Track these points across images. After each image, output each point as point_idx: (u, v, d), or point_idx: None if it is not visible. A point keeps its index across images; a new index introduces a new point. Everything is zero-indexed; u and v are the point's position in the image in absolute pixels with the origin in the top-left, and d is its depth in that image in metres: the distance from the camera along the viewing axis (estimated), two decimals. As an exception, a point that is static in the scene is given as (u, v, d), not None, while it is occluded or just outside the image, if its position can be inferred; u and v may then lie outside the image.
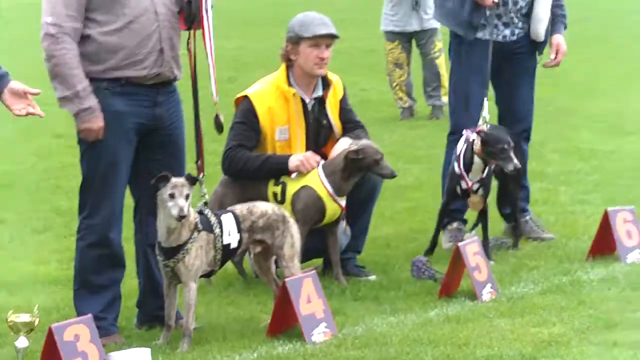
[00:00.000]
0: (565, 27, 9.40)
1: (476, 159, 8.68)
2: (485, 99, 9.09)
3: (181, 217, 6.91)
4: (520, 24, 9.27)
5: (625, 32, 22.85)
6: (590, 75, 15.11)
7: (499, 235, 9.20)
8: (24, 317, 6.36)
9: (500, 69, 9.20)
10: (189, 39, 7.41)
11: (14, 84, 6.81)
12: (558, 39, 9.39)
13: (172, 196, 6.91)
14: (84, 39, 7.17)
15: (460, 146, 8.78)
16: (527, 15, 9.26)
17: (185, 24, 7.41)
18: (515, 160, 8.53)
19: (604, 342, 6.87)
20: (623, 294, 7.79)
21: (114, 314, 7.40)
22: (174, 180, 6.95)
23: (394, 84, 15.31)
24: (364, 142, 8.23)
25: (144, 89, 7.29)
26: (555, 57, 9.41)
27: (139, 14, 7.18)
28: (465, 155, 8.73)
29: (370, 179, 8.37)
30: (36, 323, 6.39)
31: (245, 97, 8.36)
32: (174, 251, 7.05)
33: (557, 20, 9.38)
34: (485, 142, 8.66)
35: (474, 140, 8.71)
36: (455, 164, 8.71)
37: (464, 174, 8.65)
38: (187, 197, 6.93)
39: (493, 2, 8.85)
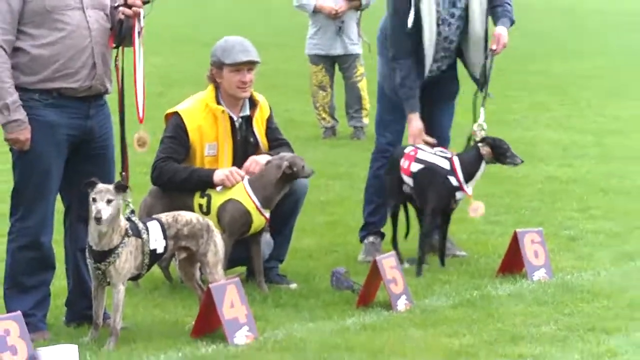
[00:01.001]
0: (511, 23, 9.27)
1: (482, 166, 8.91)
2: (482, 108, 9.20)
3: (97, 220, 6.94)
4: (448, 58, 9.32)
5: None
6: (501, 105, 15.18)
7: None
8: (-43, 314, 6.37)
9: (424, 91, 9.20)
10: (116, 55, 7.45)
11: None
12: (500, 30, 9.24)
13: (94, 200, 6.96)
14: (16, 51, 7.17)
15: (443, 163, 8.89)
16: (457, 49, 9.31)
17: (115, 42, 7.42)
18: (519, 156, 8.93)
19: (510, 354, 6.99)
20: (529, 309, 7.90)
21: (43, 312, 7.40)
22: (99, 186, 7.00)
23: (318, 105, 15.35)
24: (289, 155, 8.33)
25: (76, 102, 7.30)
26: (496, 49, 9.24)
27: (73, 29, 7.19)
28: (469, 165, 8.89)
29: (294, 192, 8.44)
30: (-35, 319, 6.41)
31: (176, 113, 8.40)
32: (105, 254, 7.07)
33: (502, 14, 9.28)
34: (493, 146, 8.92)
35: (479, 148, 8.93)
36: (452, 178, 8.79)
37: (463, 184, 8.80)
38: (108, 201, 6.95)
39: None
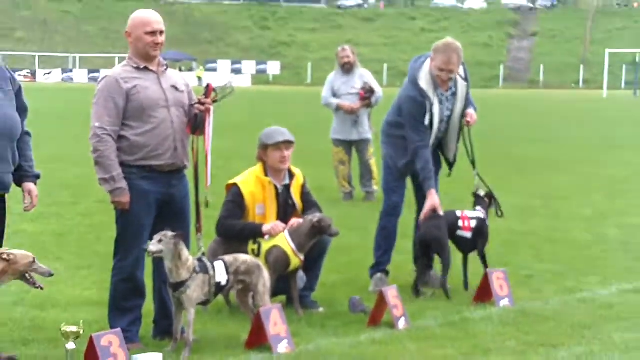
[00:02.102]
0: (475, 109, 9.35)
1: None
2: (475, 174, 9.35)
3: (144, 251, 7.09)
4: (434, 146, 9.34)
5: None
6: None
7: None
8: (73, 328, 6.36)
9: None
10: (192, 140, 7.52)
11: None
12: (471, 110, 9.27)
13: (151, 239, 7.13)
14: (120, 138, 7.23)
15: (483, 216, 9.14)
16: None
17: (191, 130, 7.48)
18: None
19: (483, 363, 6.99)
20: (496, 329, 7.87)
21: (137, 328, 7.43)
22: (162, 232, 7.10)
23: (339, 176, 15.41)
24: (319, 215, 8.34)
25: (162, 175, 7.34)
26: (470, 121, 9.27)
27: (160, 122, 7.26)
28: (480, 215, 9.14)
29: (322, 241, 8.42)
30: (81, 332, 6.39)
31: (235, 184, 8.42)
32: (178, 285, 7.11)
33: (470, 104, 9.33)
34: (492, 197, 9.26)
35: (487, 201, 9.26)
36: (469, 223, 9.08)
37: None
38: (159, 241, 7.02)
39: None
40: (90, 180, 12.99)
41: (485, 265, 9.11)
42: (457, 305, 8.60)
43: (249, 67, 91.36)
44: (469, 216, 9.13)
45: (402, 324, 7.88)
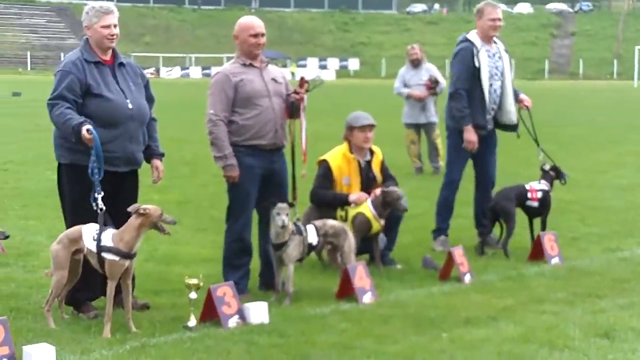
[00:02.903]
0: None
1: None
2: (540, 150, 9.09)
3: (282, 227, 6.95)
4: (493, 111, 9.02)
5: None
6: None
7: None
8: (194, 281, 6.38)
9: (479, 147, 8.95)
10: (289, 125, 7.51)
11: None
12: (524, 95, 9.11)
13: (278, 214, 6.98)
14: (230, 123, 7.21)
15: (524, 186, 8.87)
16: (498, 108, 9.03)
17: (288, 116, 7.47)
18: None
19: (537, 311, 6.83)
20: (549, 282, 7.70)
21: (246, 281, 7.41)
22: (279, 204, 7.02)
23: (410, 154, 15.36)
24: (392, 187, 8.22)
25: (265, 152, 7.30)
26: (528, 105, 9.06)
27: (263, 109, 7.23)
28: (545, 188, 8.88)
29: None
30: (201, 284, 6.40)
31: (325, 160, 8.35)
32: (280, 246, 7.08)
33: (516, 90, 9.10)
34: (557, 170, 9.00)
35: (553, 174, 8.99)
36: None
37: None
38: (287, 215, 6.99)
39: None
40: (205, 157, 13.14)
41: (544, 229, 8.88)
42: (514, 263, 8.41)
43: (333, 63, 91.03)
44: (536, 188, 8.88)
45: (467, 278, 7.74)
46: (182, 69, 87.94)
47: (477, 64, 8.81)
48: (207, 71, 79.04)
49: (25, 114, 29.07)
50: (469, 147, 8.85)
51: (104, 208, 6.28)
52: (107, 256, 6.17)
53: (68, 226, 6.60)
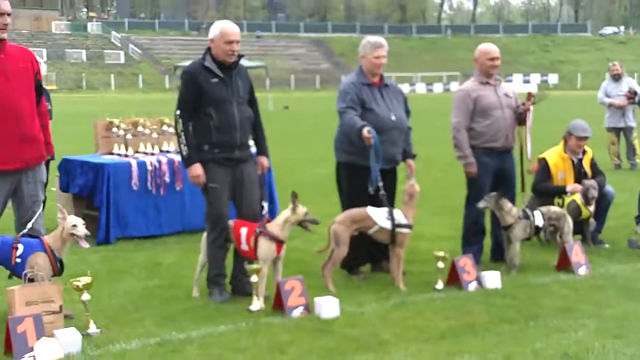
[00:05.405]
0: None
1: None
2: None
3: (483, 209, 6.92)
4: None
5: None
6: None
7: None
8: (441, 254, 6.47)
9: None
10: (518, 131, 7.44)
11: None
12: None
13: (484, 200, 7.05)
14: (470, 129, 7.16)
15: None
16: None
17: (518, 124, 7.39)
18: None
19: None
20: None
21: (480, 255, 7.34)
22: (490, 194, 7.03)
23: (611, 152, 14.75)
24: (586, 180, 7.91)
25: (497, 153, 7.16)
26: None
27: (496, 119, 7.12)
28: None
29: (606, 197, 8.08)
30: (447, 257, 6.51)
31: (544, 158, 8.16)
32: (507, 227, 7.02)
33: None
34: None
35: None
36: None
37: None
38: (484, 200, 6.98)
39: None
40: (441, 156, 13.20)
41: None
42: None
43: (535, 78, 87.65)
44: None
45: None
46: (410, 85, 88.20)
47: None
48: (429, 87, 78.72)
49: (294, 122, 30.42)
50: None
51: (385, 193, 6.52)
52: (402, 230, 6.42)
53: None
